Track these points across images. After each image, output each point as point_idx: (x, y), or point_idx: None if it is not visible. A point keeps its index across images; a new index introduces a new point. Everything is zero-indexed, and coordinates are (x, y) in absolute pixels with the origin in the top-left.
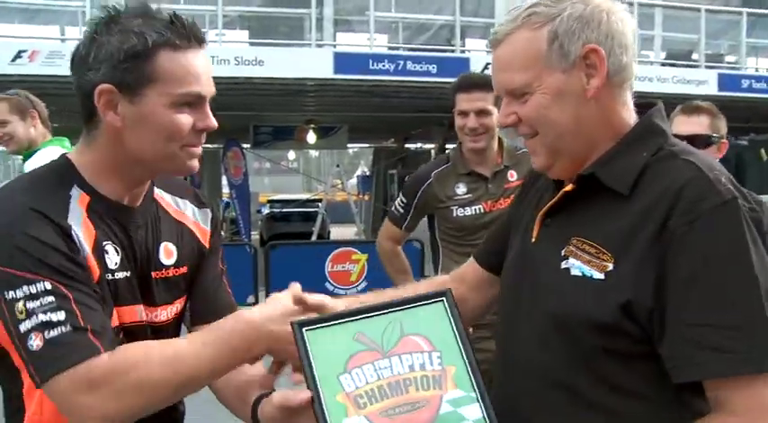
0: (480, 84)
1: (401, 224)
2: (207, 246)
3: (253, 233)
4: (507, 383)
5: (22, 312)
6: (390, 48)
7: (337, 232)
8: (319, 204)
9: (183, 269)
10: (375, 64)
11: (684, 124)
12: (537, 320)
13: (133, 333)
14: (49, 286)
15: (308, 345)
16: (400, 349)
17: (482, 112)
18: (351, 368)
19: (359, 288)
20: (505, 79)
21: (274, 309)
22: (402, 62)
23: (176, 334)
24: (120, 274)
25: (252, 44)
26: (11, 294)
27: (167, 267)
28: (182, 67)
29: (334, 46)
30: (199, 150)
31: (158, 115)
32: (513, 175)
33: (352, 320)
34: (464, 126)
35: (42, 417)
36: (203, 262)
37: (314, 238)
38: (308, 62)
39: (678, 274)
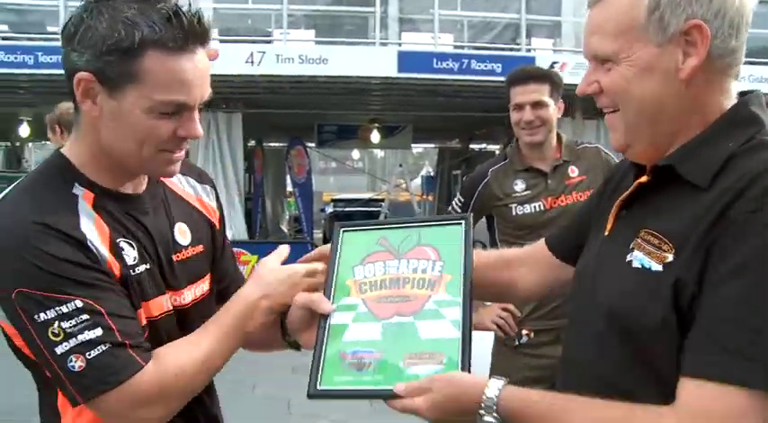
0: (535, 75)
1: None
2: (216, 223)
3: (316, 232)
4: (567, 383)
5: (57, 335)
6: (455, 47)
7: None
8: (382, 204)
9: (200, 247)
10: (439, 63)
11: None
12: (593, 317)
13: (159, 324)
14: (80, 304)
15: (340, 243)
16: (411, 255)
17: (538, 104)
18: (365, 262)
19: None
20: (594, 43)
21: (269, 282)
22: (466, 61)
23: (203, 317)
24: (140, 268)
25: (317, 43)
26: (42, 317)
27: (185, 247)
28: (168, 73)
29: (399, 44)
30: (178, 155)
31: (134, 117)
32: (574, 171)
33: (381, 229)
34: (520, 120)
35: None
36: (216, 239)
37: None
38: (372, 61)
39: (727, 261)
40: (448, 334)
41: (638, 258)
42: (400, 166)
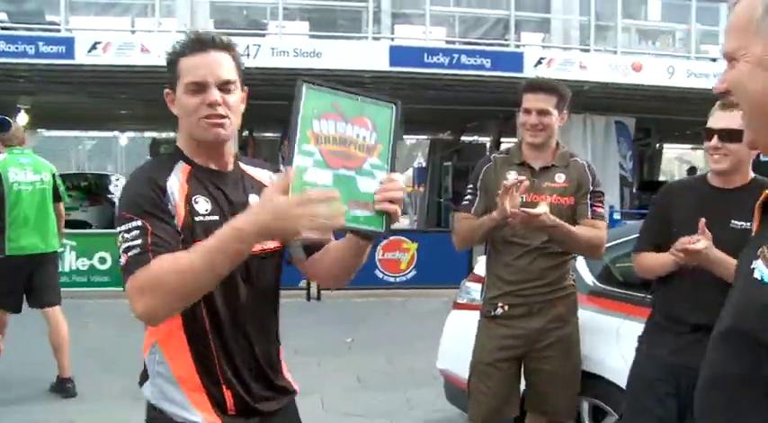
0: (545, 87)
1: (470, 209)
2: None
3: None
4: (697, 395)
5: (120, 241)
6: (447, 42)
7: None
8: None
9: None
10: (430, 57)
11: (721, 120)
12: (716, 328)
13: None
14: (139, 223)
15: (303, 97)
16: (355, 122)
17: (543, 112)
18: (321, 118)
19: (408, 276)
20: (724, 42)
21: (258, 212)
22: (457, 56)
23: (266, 268)
24: (210, 218)
25: (311, 37)
26: (120, 228)
27: None
28: (188, 66)
29: (392, 39)
30: (215, 120)
31: (182, 100)
32: (560, 177)
33: (334, 94)
34: (526, 122)
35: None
36: None
37: None
38: (364, 55)
39: None
40: (377, 190)
41: (758, 268)
42: None
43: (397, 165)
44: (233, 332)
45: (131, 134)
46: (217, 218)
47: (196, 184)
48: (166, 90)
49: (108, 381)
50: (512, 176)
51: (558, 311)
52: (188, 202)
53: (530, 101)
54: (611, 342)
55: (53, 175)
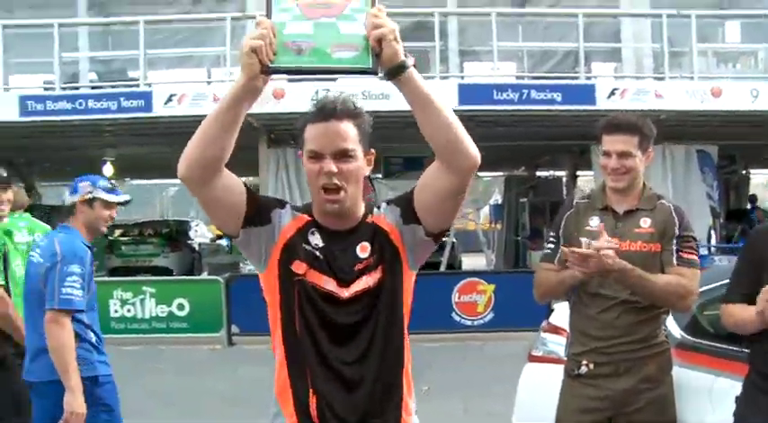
0: (624, 126)
1: (553, 259)
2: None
3: None
4: None
5: None
6: (516, 77)
7: (469, 261)
8: (449, 232)
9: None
10: (499, 94)
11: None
12: None
13: (300, 281)
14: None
15: None
16: None
17: (624, 154)
18: None
19: (485, 319)
20: None
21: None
22: (526, 91)
23: (364, 312)
24: (317, 252)
25: (381, 78)
26: None
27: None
28: (311, 134)
29: (462, 77)
30: (332, 196)
31: (306, 164)
32: (645, 222)
33: None
34: (606, 166)
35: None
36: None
37: (443, 267)
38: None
39: None
40: (360, 31)
41: None
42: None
43: (477, 199)
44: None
45: None
46: (319, 254)
47: (301, 237)
48: (300, 151)
49: None
50: (594, 223)
51: (650, 371)
52: (302, 230)
53: (609, 143)
54: (704, 403)
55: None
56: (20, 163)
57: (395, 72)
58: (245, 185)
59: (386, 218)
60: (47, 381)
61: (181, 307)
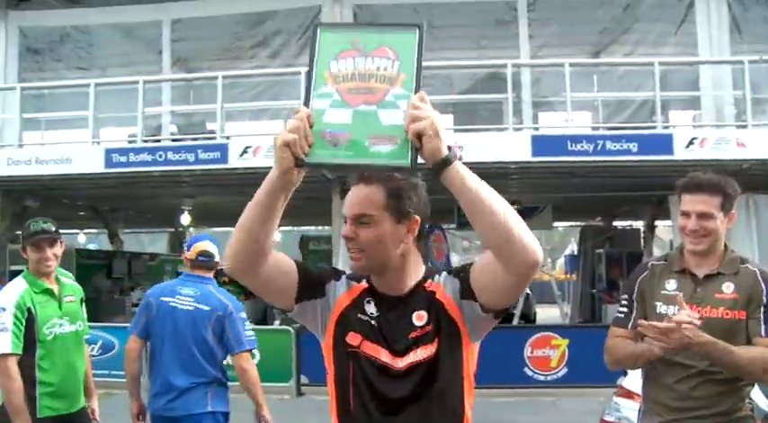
0: (705, 186)
1: (627, 324)
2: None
3: None
4: None
5: None
6: (592, 128)
7: (543, 313)
8: None
9: (429, 328)
10: (573, 145)
11: None
12: None
13: (354, 354)
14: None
15: (318, 40)
16: (375, 53)
17: (704, 215)
18: (338, 58)
19: (559, 375)
20: None
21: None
22: (601, 142)
23: (419, 385)
24: (372, 321)
25: (456, 130)
26: None
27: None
28: (346, 197)
29: (537, 128)
30: (353, 255)
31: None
32: (729, 287)
33: (354, 30)
34: (685, 227)
35: None
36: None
37: (515, 320)
38: (507, 146)
39: None
40: (401, 121)
41: None
42: None
43: (553, 249)
44: None
45: (284, 228)
46: (374, 323)
47: (357, 308)
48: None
49: None
50: (671, 287)
51: None
52: (358, 300)
53: (688, 202)
54: None
55: None
56: (104, 210)
57: (437, 168)
58: (297, 262)
59: (444, 289)
60: (198, 413)
61: (252, 355)
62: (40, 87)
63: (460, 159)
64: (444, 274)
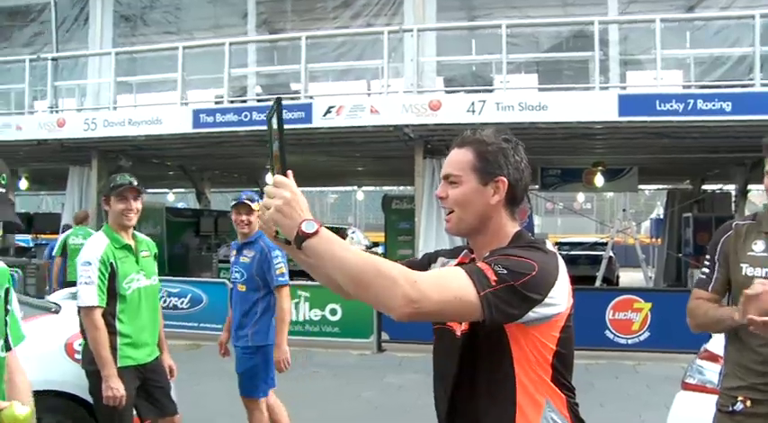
0: None
1: (708, 286)
2: None
3: None
4: None
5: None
6: (684, 86)
7: (627, 277)
8: (606, 247)
9: None
10: (662, 104)
11: None
12: None
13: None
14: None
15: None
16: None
17: None
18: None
19: (641, 338)
20: None
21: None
22: (692, 101)
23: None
24: None
25: (540, 90)
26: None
27: None
28: None
29: (624, 88)
30: (445, 217)
31: None
32: None
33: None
34: None
35: None
36: None
37: (598, 282)
38: (592, 105)
39: None
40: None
41: None
42: (624, 210)
43: (639, 212)
44: None
45: (368, 188)
46: None
47: None
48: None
49: None
50: (759, 248)
51: None
52: None
53: None
54: None
55: None
56: (192, 170)
57: (297, 245)
58: (425, 258)
59: None
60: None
61: (333, 312)
62: (133, 52)
63: (316, 234)
64: None
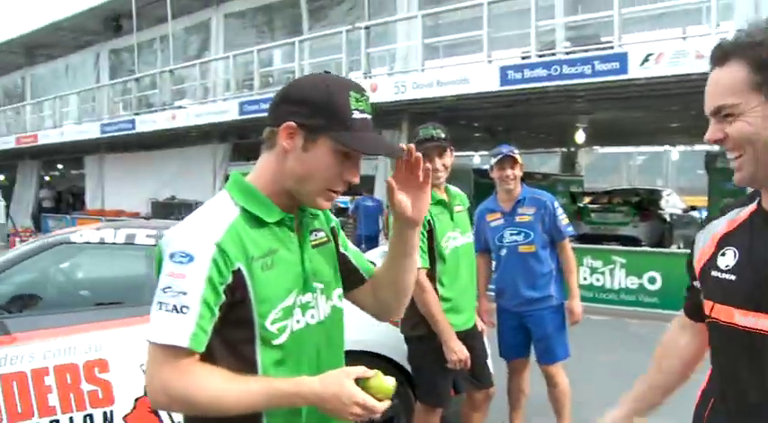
0: None
1: None
2: None
3: None
4: None
5: None
6: None
7: None
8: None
9: None
10: None
11: None
12: None
13: None
14: None
15: None
16: None
17: None
18: None
19: None
20: None
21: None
22: None
23: None
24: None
25: None
26: None
27: None
28: None
29: None
30: (734, 165)
31: None
32: None
33: None
34: None
35: None
36: None
37: None
38: None
39: None
40: None
41: None
42: None
43: None
44: None
45: (682, 148)
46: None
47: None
48: None
49: None
50: None
51: None
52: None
53: None
54: None
55: None
56: (499, 131)
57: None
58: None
59: None
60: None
61: (652, 280)
62: (439, 12)
63: None
64: None
